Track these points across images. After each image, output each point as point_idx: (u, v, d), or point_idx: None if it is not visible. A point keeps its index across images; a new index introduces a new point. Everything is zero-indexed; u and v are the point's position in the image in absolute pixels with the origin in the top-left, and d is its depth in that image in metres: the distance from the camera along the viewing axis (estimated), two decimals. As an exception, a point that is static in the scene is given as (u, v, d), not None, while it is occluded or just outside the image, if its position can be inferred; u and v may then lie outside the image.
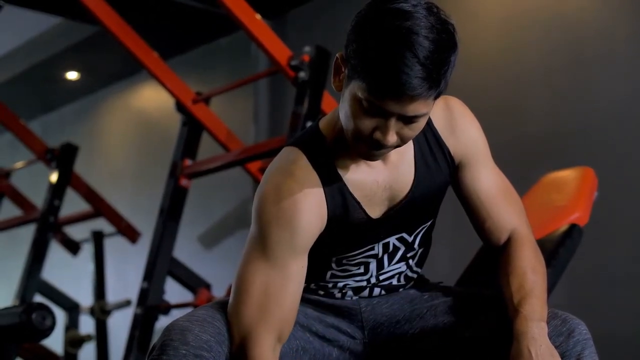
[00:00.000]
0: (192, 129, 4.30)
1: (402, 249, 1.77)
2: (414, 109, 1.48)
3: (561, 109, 4.22)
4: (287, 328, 1.64)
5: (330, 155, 1.67)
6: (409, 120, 1.51)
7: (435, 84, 1.46)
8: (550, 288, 2.13)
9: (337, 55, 1.58)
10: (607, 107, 4.03)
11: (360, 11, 1.52)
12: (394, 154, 1.66)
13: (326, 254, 1.73)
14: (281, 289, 1.61)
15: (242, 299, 1.62)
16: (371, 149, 1.56)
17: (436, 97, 1.50)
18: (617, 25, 4.06)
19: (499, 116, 4.34)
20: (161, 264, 4.10)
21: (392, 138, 1.52)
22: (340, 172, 1.66)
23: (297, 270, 1.63)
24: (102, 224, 5.63)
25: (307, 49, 3.65)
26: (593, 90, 4.09)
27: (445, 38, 1.46)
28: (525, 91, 4.39)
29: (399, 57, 1.43)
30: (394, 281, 1.82)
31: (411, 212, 1.72)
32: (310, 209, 1.62)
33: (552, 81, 4.27)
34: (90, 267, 5.49)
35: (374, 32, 1.46)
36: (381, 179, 1.68)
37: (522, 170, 3.50)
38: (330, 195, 1.65)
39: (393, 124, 1.51)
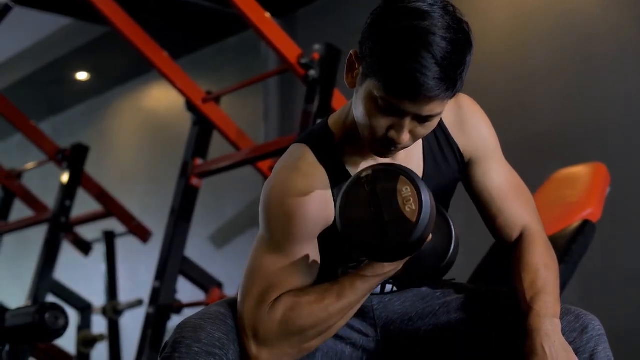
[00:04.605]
0: (203, 129, 4.30)
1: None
2: (430, 109, 1.49)
3: (570, 106, 4.21)
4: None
5: (338, 151, 1.67)
6: (423, 119, 1.52)
7: (452, 85, 1.46)
8: (563, 285, 2.13)
9: (351, 52, 1.57)
10: (616, 104, 4.01)
11: (375, 9, 1.52)
12: (402, 151, 1.66)
13: (336, 251, 1.72)
14: (291, 275, 1.60)
15: (248, 289, 1.61)
16: (384, 146, 1.56)
17: (451, 97, 1.50)
18: (625, 23, 4.04)
19: (508, 114, 4.33)
20: (173, 264, 4.10)
21: (406, 137, 1.53)
22: (349, 168, 1.66)
23: (305, 258, 1.62)
24: (113, 224, 5.64)
25: (317, 47, 3.64)
26: (602, 87, 4.08)
27: (462, 38, 1.46)
28: (534, 89, 4.37)
29: (417, 58, 1.42)
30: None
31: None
32: (315, 201, 1.61)
33: (561, 78, 4.26)
34: (102, 267, 5.50)
35: (390, 31, 1.46)
36: (389, 176, 1.68)
37: (532, 168, 3.49)
38: (338, 192, 1.64)
39: (408, 123, 1.51)
